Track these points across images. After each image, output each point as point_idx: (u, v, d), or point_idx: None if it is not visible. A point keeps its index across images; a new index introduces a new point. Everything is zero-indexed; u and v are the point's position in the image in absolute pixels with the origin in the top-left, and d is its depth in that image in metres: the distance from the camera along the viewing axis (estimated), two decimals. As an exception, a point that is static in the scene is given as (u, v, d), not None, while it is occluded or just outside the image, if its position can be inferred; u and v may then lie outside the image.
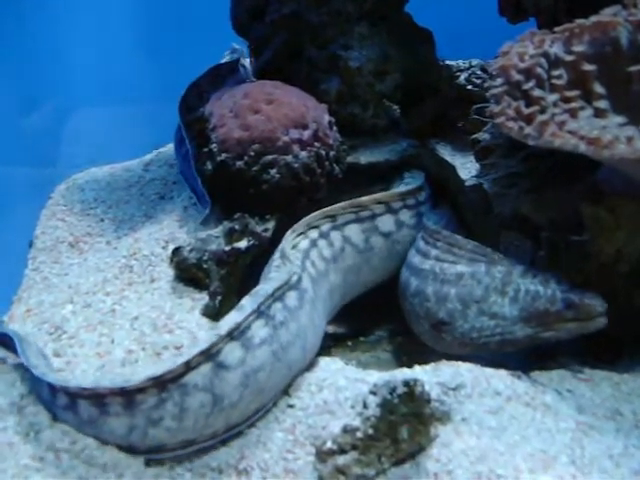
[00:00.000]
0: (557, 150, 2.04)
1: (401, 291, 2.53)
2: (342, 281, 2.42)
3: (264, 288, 2.02)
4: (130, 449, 1.81)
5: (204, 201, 2.54)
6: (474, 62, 3.83)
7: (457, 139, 3.55)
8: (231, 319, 1.90)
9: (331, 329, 2.65)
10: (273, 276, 2.11)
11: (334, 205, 2.44)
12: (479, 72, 3.70)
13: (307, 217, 2.38)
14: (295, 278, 2.11)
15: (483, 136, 2.87)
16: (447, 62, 3.81)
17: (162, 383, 1.77)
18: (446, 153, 3.62)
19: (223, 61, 3.44)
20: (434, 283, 2.39)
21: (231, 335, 1.86)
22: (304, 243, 2.34)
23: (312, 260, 2.31)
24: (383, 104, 2.84)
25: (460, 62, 3.86)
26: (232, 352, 1.86)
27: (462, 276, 2.34)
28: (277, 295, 2.02)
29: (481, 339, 2.28)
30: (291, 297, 2.07)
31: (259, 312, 1.94)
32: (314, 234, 2.38)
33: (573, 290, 2.16)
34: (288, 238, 2.30)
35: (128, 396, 1.77)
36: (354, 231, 2.46)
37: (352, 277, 2.46)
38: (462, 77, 3.75)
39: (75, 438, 1.82)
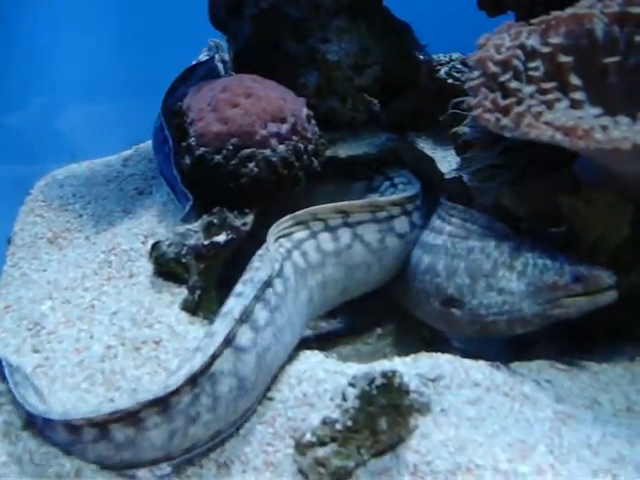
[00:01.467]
0: (535, 142, 2.06)
1: (411, 271, 2.52)
2: (344, 276, 2.40)
3: (258, 275, 2.04)
4: (167, 458, 1.79)
5: (183, 199, 2.52)
6: (454, 56, 3.87)
7: (438, 133, 3.58)
8: (238, 303, 1.94)
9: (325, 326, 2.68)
10: (257, 265, 2.12)
11: (350, 202, 2.42)
12: (459, 66, 3.73)
13: (316, 207, 2.36)
14: (277, 266, 2.12)
15: (463, 130, 2.88)
16: (428, 56, 3.83)
17: (193, 379, 1.76)
18: (427, 147, 3.65)
19: (201, 57, 3.42)
20: (445, 258, 2.40)
21: (241, 318, 1.90)
22: (302, 233, 2.31)
23: (304, 250, 2.29)
24: (362, 98, 2.84)
25: (441, 56, 3.90)
26: (244, 334, 1.90)
27: (472, 250, 2.34)
28: (268, 281, 2.04)
29: (489, 317, 2.26)
30: (278, 284, 2.09)
31: (257, 297, 1.98)
32: (318, 226, 2.35)
33: (582, 264, 2.14)
34: (281, 225, 2.28)
35: (163, 402, 1.73)
36: (369, 230, 2.43)
37: (360, 274, 2.44)
38: (442, 71, 3.79)
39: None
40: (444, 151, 3.65)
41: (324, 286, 2.34)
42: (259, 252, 2.20)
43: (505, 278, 2.24)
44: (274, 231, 2.24)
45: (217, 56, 3.29)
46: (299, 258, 2.27)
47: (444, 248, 2.42)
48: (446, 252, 2.41)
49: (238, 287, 2.04)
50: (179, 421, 1.75)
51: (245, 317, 1.91)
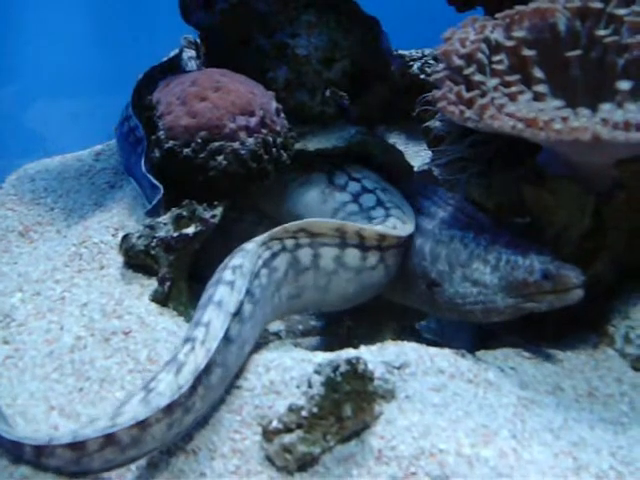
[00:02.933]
0: (500, 134, 2.09)
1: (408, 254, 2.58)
2: (353, 292, 2.40)
3: (245, 265, 2.04)
4: (160, 446, 1.78)
5: (152, 194, 2.52)
6: (427, 51, 3.91)
7: (411, 128, 3.61)
8: (231, 296, 1.94)
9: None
10: (250, 247, 2.11)
11: (389, 230, 2.42)
12: (432, 61, 3.77)
13: (361, 226, 2.35)
14: (267, 254, 2.13)
15: (434, 124, 2.91)
16: (400, 52, 3.87)
17: (200, 376, 1.77)
18: (400, 142, 3.69)
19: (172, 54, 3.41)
20: (432, 242, 2.46)
21: (235, 313, 1.92)
22: (330, 239, 2.29)
23: (318, 253, 2.27)
24: (332, 92, 2.85)
25: (413, 52, 3.93)
26: (234, 327, 1.91)
27: (453, 239, 2.40)
28: (256, 272, 2.06)
29: (466, 306, 2.33)
30: (263, 275, 2.11)
31: (247, 290, 1.99)
32: (353, 240, 2.32)
33: (552, 262, 2.19)
34: (320, 225, 2.26)
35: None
36: (393, 255, 2.44)
37: (370, 292, 2.47)
38: (415, 66, 3.82)
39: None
40: (417, 146, 3.69)
41: (325, 291, 2.34)
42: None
43: (479, 271, 2.30)
44: (302, 224, 2.23)
45: (189, 52, 3.30)
46: (306, 257, 2.26)
47: (432, 233, 2.48)
48: (433, 237, 2.47)
49: (227, 274, 2.03)
50: (178, 413, 1.75)
51: (237, 311, 1.93)
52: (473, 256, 2.33)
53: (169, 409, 1.71)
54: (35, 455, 1.74)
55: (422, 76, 3.75)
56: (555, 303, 2.20)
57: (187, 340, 1.88)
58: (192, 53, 3.33)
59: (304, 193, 2.73)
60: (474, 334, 2.53)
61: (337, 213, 2.67)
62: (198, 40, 3.39)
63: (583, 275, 2.15)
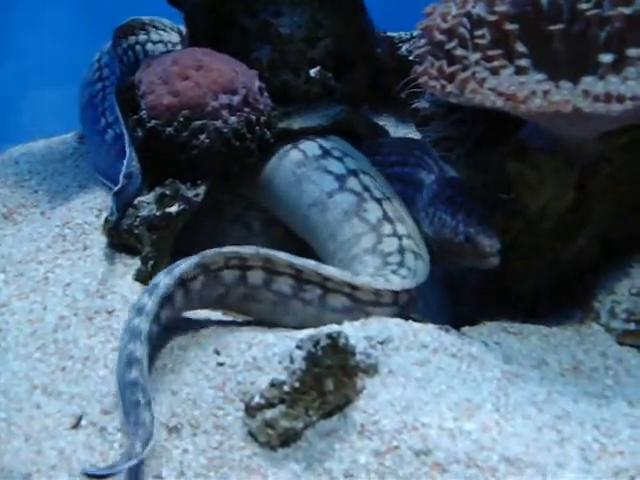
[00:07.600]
0: (484, 109, 2.09)
1: None
2: None
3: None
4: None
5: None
6: (415, 33, 3.87)
7: (400, 110, 3.59)
8: None
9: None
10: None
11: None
12: (420, 42, 3.73)
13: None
14: None
15: (422, 104, 2.90)
16: (389, 33, 3.85)
17: None
18: (389, 124, 3.67)
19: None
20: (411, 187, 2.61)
21: None
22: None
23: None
24: (320, 71, 2.84)
25: (402, 33, 3.90)
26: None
27: (423, 183, 2.53)
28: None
29: (429, 242, 2.39)
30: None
31: None
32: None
33: (477, 226, 2.22)
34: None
35: None
36: None
37: None
38: (404, 48, 3.79)
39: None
40: (406, 128, 3.67)
41: None
42: None
43: (423, 220, 2.41)
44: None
45: (130, 40, 3.26)
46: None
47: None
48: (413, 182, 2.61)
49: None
50: None
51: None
52: (423, 205, 2.44)
53: None
54: None
55: (411, 57, 3.72)
56: (476, 264, 2.27)
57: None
58: (132, 40, 3.27)
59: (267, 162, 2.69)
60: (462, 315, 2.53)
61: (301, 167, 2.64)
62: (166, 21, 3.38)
63: (499, 244, 2.17)
